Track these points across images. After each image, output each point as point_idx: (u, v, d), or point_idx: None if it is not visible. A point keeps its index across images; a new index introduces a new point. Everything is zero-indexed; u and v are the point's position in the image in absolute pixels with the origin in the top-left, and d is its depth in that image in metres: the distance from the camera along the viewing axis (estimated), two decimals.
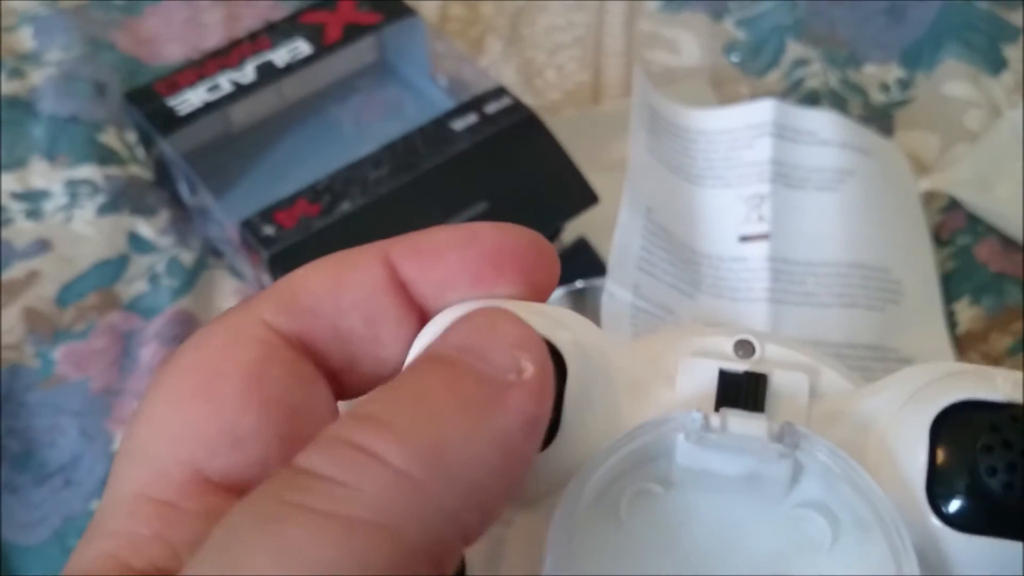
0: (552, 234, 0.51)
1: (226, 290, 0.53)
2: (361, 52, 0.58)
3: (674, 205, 0.50)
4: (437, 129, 0.51)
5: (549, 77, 0.63)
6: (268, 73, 0.54)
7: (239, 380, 0.18)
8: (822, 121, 0.53)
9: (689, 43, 0.63)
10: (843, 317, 0.48)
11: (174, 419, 0.18)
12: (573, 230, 0.52)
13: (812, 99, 0.59)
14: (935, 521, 0.17)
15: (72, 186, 0.57)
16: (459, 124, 0.51)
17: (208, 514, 0.17)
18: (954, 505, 0.17)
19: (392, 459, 0.14)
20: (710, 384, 0.18)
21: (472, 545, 0.15)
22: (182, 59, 0.64)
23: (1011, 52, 0.60)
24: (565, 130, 0.52)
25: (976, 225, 0.52)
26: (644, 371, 0.19)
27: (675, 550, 0.18)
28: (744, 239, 0.50)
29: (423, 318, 0.19)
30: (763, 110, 0.52)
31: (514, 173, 0.50)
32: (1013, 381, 0.18)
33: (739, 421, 0.17)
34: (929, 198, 0.54)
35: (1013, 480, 0.16)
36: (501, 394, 0.16)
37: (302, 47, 0.55)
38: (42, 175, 0.58)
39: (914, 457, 0.17)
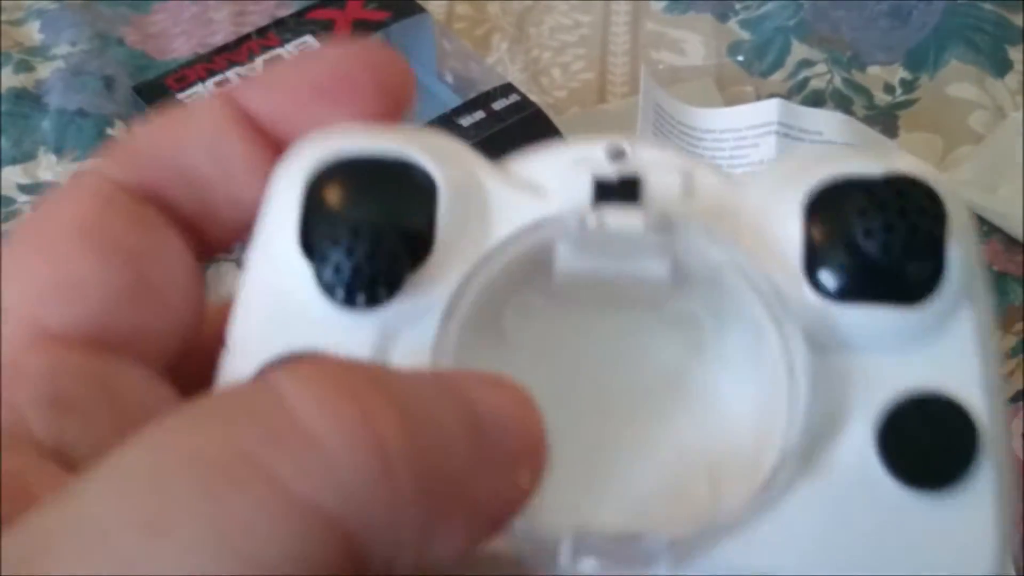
0: None
1: (234, 283, 0.54)
2: None
3: None
4: (444, 125, 0.51)
5: (555, 76, 0.63)
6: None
7: (73, 231, 0.17)
8: (827, 121, 0.53)
9: (694, 43, 0.64)
10: None
11: (11, 278, 0.17)
12: None
13: (816, 100, 0.60)
14: (814, 295, 0.16)
15: None
16: (466, 120, 0.51)
17: (53, 371, 0.16)
18: (833, 276, 0.16)
19: (394, 452, 0.12)
20: (585, 192, 0.17)
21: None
22: (189, 54, 0.64)
23: (1016, 54, 0.60)
24: (570, 128, 0.52)
25: (980, 225, 0.53)
26: (518, 187, 0.18)
27: (561, 365, 0.18)
28: None
29: (279, 150, 0.18)
30: (769, 110, 0.53)
31: None
32: (889, 156, 0.17)
33: (616, 216, 0.17)
34: None
35: (890, 241, 0.16)
36: (516, 467, 0.14)
37: (311, 43, 0.56)
38: (49, 168, 0.58)
39: (789, 234, 0.17)
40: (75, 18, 0.66)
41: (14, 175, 0.58)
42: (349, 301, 0.16)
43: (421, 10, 0.58)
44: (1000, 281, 0.50)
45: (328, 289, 0.16)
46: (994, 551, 0.16)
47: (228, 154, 0.18)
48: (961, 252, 0.17)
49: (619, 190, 0.17)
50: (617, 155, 0.18)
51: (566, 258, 0.17)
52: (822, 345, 0.16)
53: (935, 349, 0.16)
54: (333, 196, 0.17)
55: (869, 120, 0.58)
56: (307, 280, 0.17)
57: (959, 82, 0.59)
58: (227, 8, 0.67)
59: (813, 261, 0.17)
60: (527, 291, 0.18)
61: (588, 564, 0.15)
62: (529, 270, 0.17)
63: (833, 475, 0.16)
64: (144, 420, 0.12)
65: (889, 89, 0.60)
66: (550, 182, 0.18)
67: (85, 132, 0.59)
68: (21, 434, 0.15)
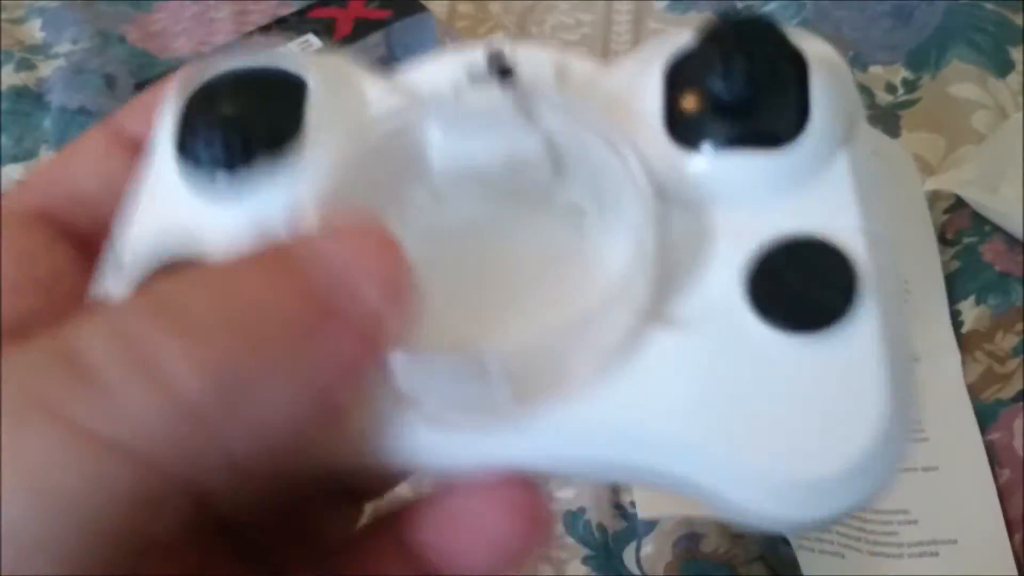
0: None
1: None
2: (370, 48, 0.59)
3: None
4: None
5: None
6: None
7: None
8: None
9: None
10: None
11: None
12: None
13: None
14: (677, 150, 0.16)
15: None
16: None
17: None
18: (692, 128, 0.16)
19: (177, 377, 0.12)
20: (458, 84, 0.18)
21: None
22: (191, 53, 0.64)
23: (1018, 54, 0.60)
24: None
25: (982, 225, 0.52)
26: (396, 87, 0.18)
27: (444, 254, 0.18)
28: None
29: None
30: None
31: None
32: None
33: (480, 95, 0.17)
34: (934, 198, 0.54)
35: (735, 80, 0.16)
36: (325, 322, 0.13)
37: (312, 42, 0.56)
38: None
39: (651, 100, 0.17)
40: (76, 16, 0.66)
41: (16, 173, 0.58)
42: (210, 183, 0.17)
43: (423, 9, 0.58)
44: (1002, 281, 0.50)
45: (191, 179, 0.17)
46: (881, 393, 0.15)
47: (112, 173, 0.19)
48: (827, 96, 0.16)
49: (490, 79, 0.18)
50: (494, 55, 0.18)
51: (439, 144, 0.17)
52: (692, 200, 0.16)
53: (808, 194, 0.16)
54: (205, 102, 0.18)
55: (871, 119, 0.58)
56: (179, 178, 0.17)
57: (961, 82, 0.59)
58: (228, 7, 0.67)
59: (674, 118, 0.17)
60: (409, 187, 0.18)
61: (422, 382, 0.15)
62: (406, 162, 0.17)
63: (698, 326, 0.15)
64: None
65: (891, 89, 0.60)
66: (427, 83, 0.18)
67: (86, 130, 0.59)
68: None
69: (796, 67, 0.16)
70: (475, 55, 0.18)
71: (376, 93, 0.18)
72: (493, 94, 0.17)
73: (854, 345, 0.15)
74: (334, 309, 0.13)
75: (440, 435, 0.15)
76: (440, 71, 0.18)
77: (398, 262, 0.14)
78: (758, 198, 0.16)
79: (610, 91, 0.18)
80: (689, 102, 0.17)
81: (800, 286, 0.15)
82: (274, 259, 0.14)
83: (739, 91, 0.16)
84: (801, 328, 0.15)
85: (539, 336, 0.15)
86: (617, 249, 0.17)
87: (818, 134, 0.16)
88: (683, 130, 0.16)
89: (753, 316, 0.15)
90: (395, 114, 0.17)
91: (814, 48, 0.17)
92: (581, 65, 0.18)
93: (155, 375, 0.12)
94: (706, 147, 0.16)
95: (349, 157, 0.17)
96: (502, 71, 0.17)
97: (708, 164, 0.16)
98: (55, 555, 0.11)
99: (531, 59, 0.18)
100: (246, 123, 0.17)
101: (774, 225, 0.16)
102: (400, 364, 0.15)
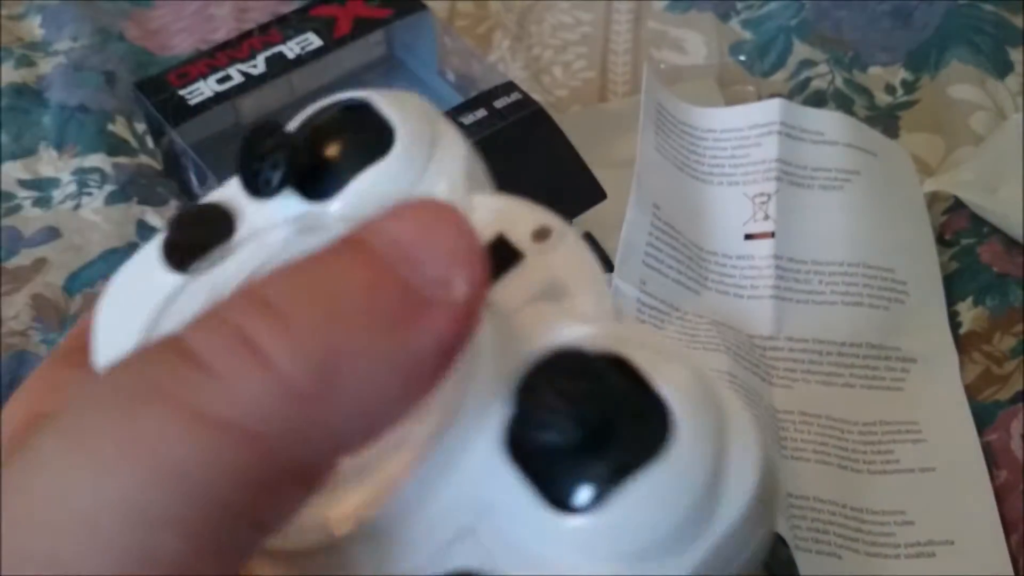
0: None
1: None
2: (370, 46, 0.59)
3: (681, 202, 0.51)
4: None
5: (556, 74, 0.63)
6: (278, 65, 0.55)
7: None
8: (829, 121, 0.53)
9: (696, 43, 0.64)
10: (847, 315, 0.48)
11: None
12: (580, 226, 0.52)
13: (818, 100, 0.60)
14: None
15: (81, 174, 0.57)
16: (468, 118, 0.51)
17: None
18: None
19: (280, 361, 0.13)
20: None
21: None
22: (191, 50, 0.64)
23: (1017, 55, 0.60)
24: (572, 127, 0.52)
25: (980, 226, 0.53)
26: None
27: None
28: (749, 237, 0.50)
29: None
30: (770, 109, 0.53)
31: (522, 168, 0.50)
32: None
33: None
34: (933, 199, 0.54)
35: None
36: (420, 312, 0.13)
37: (312, 40, 0.56)
38: (50, 163, 0.58)
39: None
40: (76, 13, 0.66)
41: (15, 170, 0.58)
42: (174, 266, 0.18)
43: (423, 7, 0.58)
44: (1000, 283, 0.50)
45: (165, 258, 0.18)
46: None
47: None
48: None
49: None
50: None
51: None
52: None
53: None
54: None
55: (870, 120, 0.58)
56: (157, 258, 0.18)
57: (960, 83, 0.59)
58: (229, 4, 0.67)
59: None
60: None
61: None
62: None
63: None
64: None
65: (890, 90, 0.60)
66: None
67: (86, 128, 0.59)
68: None
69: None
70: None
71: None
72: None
73: None
74: (411, 286, 0.14)
75: None
76: None
77: (465, 233, 0.14)
78: None
79: None
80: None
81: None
82: (348, 244, 0.14)
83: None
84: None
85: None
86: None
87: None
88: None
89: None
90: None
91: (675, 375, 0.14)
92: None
93: (262, 362, 0.13)
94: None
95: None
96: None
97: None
98: (181, 531, 0.12)
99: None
100: (184, 220, 0.18)
101: None
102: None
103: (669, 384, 0.14)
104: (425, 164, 0.18)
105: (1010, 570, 0.42)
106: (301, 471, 0.13)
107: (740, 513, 0.14)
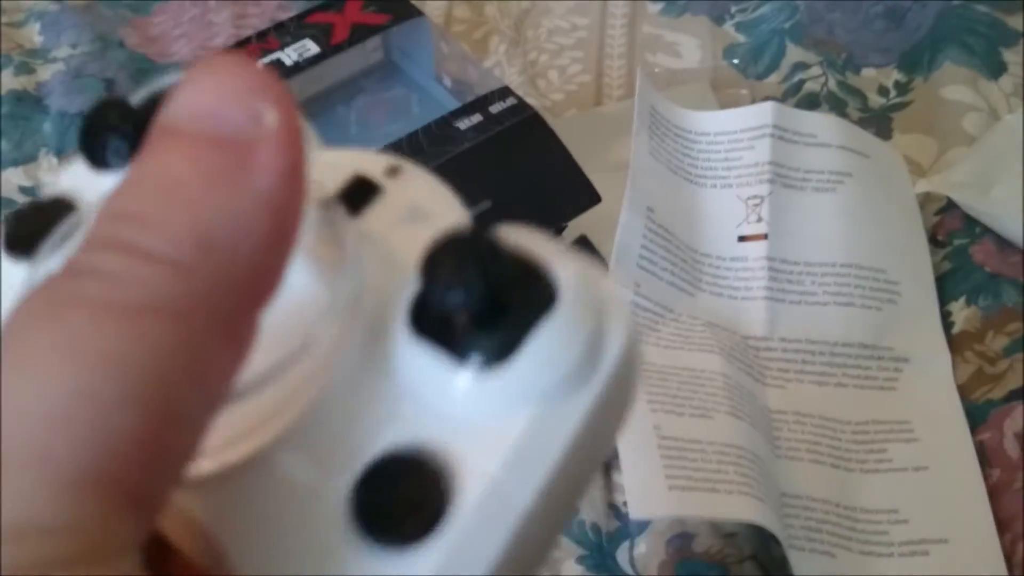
0: (555, 233, 0.52)
1: None
2: (367, 52, 0.59)
3: (675, 205, 0.51)
4: (442, 128, 0.51)
5: (552, 78, 0.63)
6: (276, 72, 0.55)
7: None
8: (821, 124, 0.54)
9: (690, 46, 0.64)
10: (840, 316, 0.49)
11: None
12: (575, 229, 0.52)
13: (811, 102, 0.60)
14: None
15: None
16: (464, 123, 0.52)
17: None
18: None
19: (158, 251, 0.14)
20: None
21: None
22: (190, 57, 0.64)
23: (1010, 56, 0.60)
24: (567, 131, 0.53)
25: (973, 226, 0.53)
26: None
27: None
28: (742, 239, 0.51)
29: None
30: (763, 112, 0.53)
31: (518, 172, 0.51)
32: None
33: None
34: (926, 200, 0.55)
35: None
36: (245, 153, 0.15)
37: (310, 47, 0.56)
38: (51, 170, 0.59)
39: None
40: (75, 20, 0.66)
41: (15, 177, 0.58)
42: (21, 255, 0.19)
43: (419, 13, 0.58)
44: (992, 282, 0.51)
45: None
46: None
47: None
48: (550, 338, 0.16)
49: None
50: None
51: None
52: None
53: (468, 422, 0.16)
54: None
55: (863, 122, 0.58)
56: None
57: (953, 84, 0.59)
58: (227, 11, 0.67)
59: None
60: None
61: None
62: None
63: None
64: None
65: (883, 91, 0.61)
66: None
67: None
68: None
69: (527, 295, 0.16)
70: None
71: None
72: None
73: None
74: (226, 138, 0.15)
75: None
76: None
77: (249, 72, 0.15)
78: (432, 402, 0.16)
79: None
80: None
81: (392, 501, 0.15)
82: (157, 135, 0.15)
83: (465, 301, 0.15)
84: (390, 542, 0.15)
85: None
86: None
87: (520, 372, 0.15)
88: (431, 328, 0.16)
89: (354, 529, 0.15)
90: None
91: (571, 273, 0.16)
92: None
93: (145, 257, 0.14)
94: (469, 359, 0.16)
95: None
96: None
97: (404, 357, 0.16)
98: (137, 405, 0.13)
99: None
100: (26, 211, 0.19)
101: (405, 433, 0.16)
102: None
103: (555, 262, 0.16)
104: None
105: (1003, 568, 0.42)
106: (223, 329, 0.14)
107: (616, 366, 0.16)
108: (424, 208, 0.19)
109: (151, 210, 0.14)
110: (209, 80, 0.15)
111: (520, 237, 0.16)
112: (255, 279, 0.15)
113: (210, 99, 0.15)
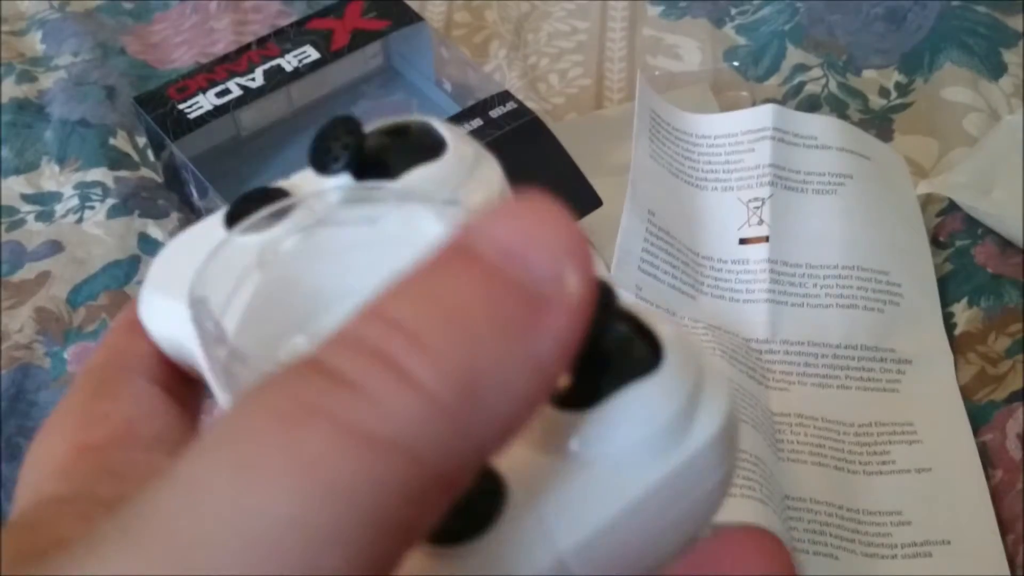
0: None
1: None
2: (368, 58, 0.59)
3: (676, 208, 0.51)
4: None
5: (552, 82, 0.63)
6: (277, 78, 0.55)
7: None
8: (822, 126, 0.54)
9: (690, 49, 0.64)
10: (842, 318, 0.49)
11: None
12: None
13: (812, 104, 0.60)
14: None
15: (83, 188, 0.58)
16: (464, 128, 0.52)
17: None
18: None
19: (424, 380, 0.13)
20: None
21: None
22: (191, 64, 0.64)
23: (1011, 57, 0.60)
24: (568, 135, 0.53)
25: (974, 227, 0.53)
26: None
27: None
28: (744, 242, 0.51)
29: None
30: (763, 115, 0.53)
31: (518, 177, 0.51)
32: None
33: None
34: (927, 201, 0.55)
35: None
36: (540, 312, 0.14)
37: (310, 53, 0.56)
38: (52, 178, 0.59)
39: None
40: (77, 28, 0.67)
41: (17, 185, 0.59)
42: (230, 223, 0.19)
43: (419, 18, 0.58)
44: (994, 283, 0.51)
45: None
46: None
47: None
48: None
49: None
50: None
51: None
52: None
53: None
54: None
55: (864, 124, 0.58)
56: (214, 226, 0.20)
57: (954, 85, 0.59)
58: (228, 18, 0.67)
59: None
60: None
61: None
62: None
63: None
64: None
65: (884, 93, 0.61)
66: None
67: (88, 142, 0.59)
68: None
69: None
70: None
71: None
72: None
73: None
74: (527, 288, 0.14)
75: None
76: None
77: (566, 226, 0.14)
78: None
79: None
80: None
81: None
82: (455, 251, 0.14)
83: None
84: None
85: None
86: None
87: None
88: None
89: None
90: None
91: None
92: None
93: (407, 380, 0.13)
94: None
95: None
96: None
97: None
98: (345, 547, 0.13)
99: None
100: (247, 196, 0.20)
101: None
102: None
103: (665, 331, 0.16)
104: (467, 176, 0.20)
105: (1006, 569, 0.42)
106: (448, 480, 0.14)
107: (708, 439, 0.16)
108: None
109: (428, 333, 0.13)
110: (527, 219, 0.14)
111: (634, 302, 0.16)
112: (497, 438, 0.14)
113: (522, 239, 0.14)
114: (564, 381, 0.16)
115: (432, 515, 0.14)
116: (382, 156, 0.19)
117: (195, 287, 0.18)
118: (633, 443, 0.15)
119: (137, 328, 0.21)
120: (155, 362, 0.21)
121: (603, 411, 0.15)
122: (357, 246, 0.18)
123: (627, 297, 0.16)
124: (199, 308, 0.18)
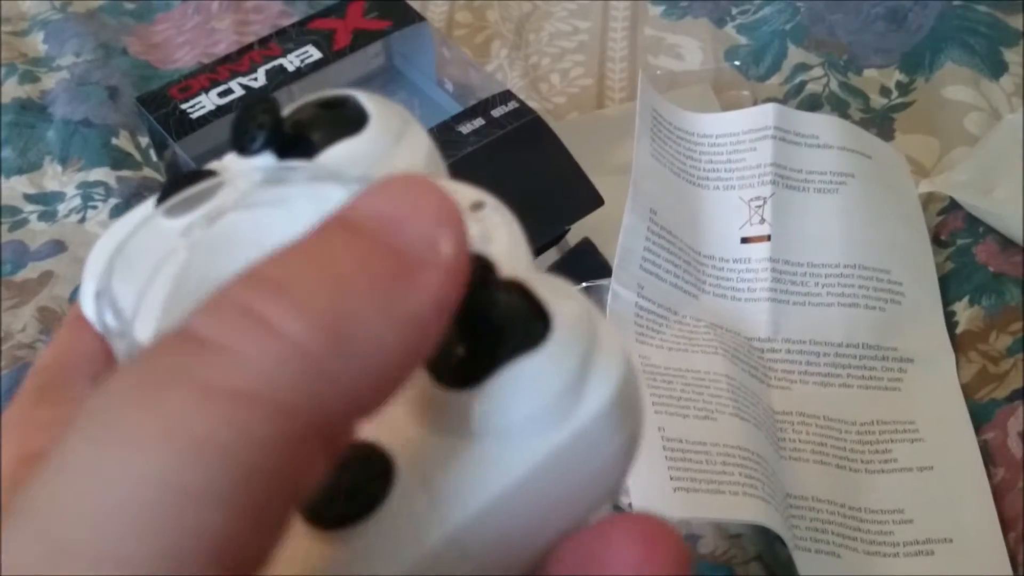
0: (558, 236, 0.52)
1: None
2: (369, 58, 0.59)
3: (677, 207, 0.51)
4: (444, 133, 0.52)
5: (554, 82, 0.63)
6: (278, 78, 0.55)
7: None
8: (823, 125, 0.54)
9: (691, 48, 0.64)
10: (843, 317, 0.49)
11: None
12: (578, 232, 0.52)
13: (813, 103, 0.60)
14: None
15: (85, 188, 0.58)
16: (466, 127, 0.52)
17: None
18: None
19: (287, 327, 0.13)
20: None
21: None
22: (192, 64, 0.65)
23: (1012, 56, 0.60)
24: (570, 134, 0.53)
25: (976, 226, 0.53)
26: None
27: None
28: (745, 240, 0.51)
29: None
30: (765, 114, 0.53)
31: (520, 176, 0.51)
32: None
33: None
34: (928, 200, 0.55)
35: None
36: (413, 272, 0.14)
37: (312, 53, 0.56)
38: (55, 178, 0.59)
39: None
40: (79, 29, 0.67)
41: (20, 185, 0.59)
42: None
43: (420, 18, 0.58)
44: (995, 282, 0.51)
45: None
46: None
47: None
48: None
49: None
50: None
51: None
52: None
53: None
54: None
55: (865, 123, 0.58)
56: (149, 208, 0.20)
57: (955, 84, 0.59)
58: (229, 18, 0.67)
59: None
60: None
61: None
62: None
63: None
64: None
65: (885, 92, 0.61)
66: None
67: (90, 142, 0.60)
68: None
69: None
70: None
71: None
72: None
73: None
74: (401, 250, 0.14)
75: None
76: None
77: (441, 199, 0.15)
78: None
79: None
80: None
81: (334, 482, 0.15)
82: (335, 222, 0.15)
83: None
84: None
85: None
86: None
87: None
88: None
89: None
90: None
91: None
92: None
93: (269, 331, 0.13)
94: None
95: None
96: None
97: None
98: (222, 504, 0.13)
99: None
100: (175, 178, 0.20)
101: None
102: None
103: (555, 304, 0.16)
104: (389, 149, 0.20)
105: (1008, 568, 0.42)
106: (323, 434, 0.14)
107: (599, 409, 0.16)
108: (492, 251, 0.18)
109: (294, 280, 0.14)
110: (400, 193, 0.15)
111: (534, 279, 0.16)
112: (370, 393, 0.14)
113: (396, 209, 0.15)
114: (455, 358, 0.16)
115: (313, 471, 0.14)
116: (305, 133, 0.19)
117: (100, 280, 0.18)
118: (522, 417, 0.15)
119: (83, 323, 0.21)
120: (99, 359, 0.20)
121: (492, 387, 0.15)
122: (269, 228, 0.18)
123: (530, 273, 0.17)
124: (100, 301, 0.18)
